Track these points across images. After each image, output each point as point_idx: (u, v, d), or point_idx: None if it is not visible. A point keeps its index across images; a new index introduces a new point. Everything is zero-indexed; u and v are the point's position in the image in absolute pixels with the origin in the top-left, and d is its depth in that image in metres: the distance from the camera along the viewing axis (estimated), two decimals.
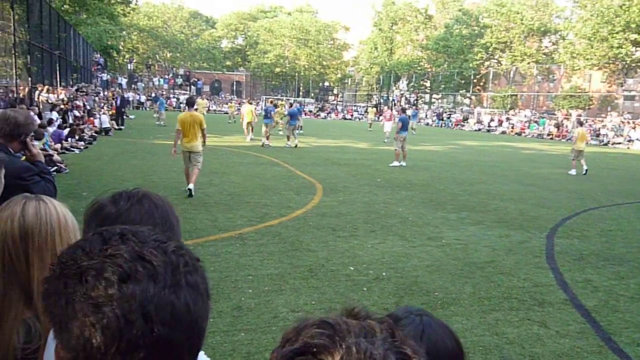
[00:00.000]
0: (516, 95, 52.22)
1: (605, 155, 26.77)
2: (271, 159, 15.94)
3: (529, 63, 51.70)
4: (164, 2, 72.51)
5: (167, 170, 12.27)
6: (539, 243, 7.49)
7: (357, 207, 9.34)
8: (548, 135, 39.96)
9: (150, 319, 0.64)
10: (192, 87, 63.45)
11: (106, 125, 21.98)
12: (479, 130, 45.72)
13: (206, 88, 66.30)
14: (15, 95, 16.88)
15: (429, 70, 63.44)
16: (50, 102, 18.24)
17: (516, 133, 42.47)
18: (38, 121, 13.15)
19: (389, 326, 0.62)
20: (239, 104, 46.16)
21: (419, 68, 63.71)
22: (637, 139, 34.39)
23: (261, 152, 17.56)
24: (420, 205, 9.84)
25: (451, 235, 7.63)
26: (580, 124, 19.16)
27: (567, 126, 39.65)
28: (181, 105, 48.98)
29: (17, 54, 16.90)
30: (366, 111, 54.78)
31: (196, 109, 11.28)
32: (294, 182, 11.74)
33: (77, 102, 22.13)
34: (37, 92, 18.43)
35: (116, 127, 24.01)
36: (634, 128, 36.06)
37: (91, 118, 22.07)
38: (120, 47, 54.70)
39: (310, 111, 57.29)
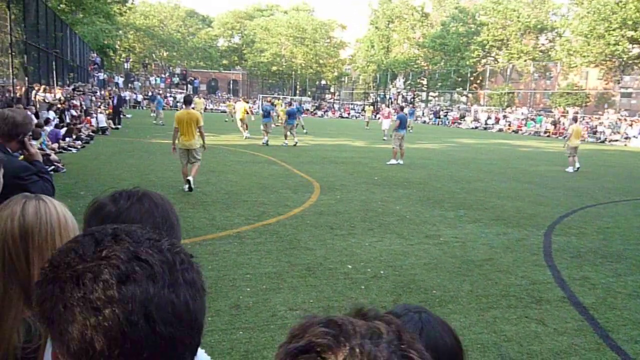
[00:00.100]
0: (513, 93, 52.31)
1: (603, 152, 26.83)
2: (268, 157, 15.94)
3: (525, 60, 51.77)
4: (160, 1, 72.42)
5: (165, 170, 12.26)
6: (537, 241, 7.51)
7: (354, 205, 9.35)
8: (545, 132, 40.04)
9: (152, 319, 0.64)
10: (189, 86, 63.35)
11: (103, 124, 21.94)
12: (476, 128, 45.77)
13: (203, 87, 66.21)
14: (12, 94, 16.84)
15: (426, 68, 63.45)
16: (47, 101, 18.21)
17: (513, 131, 42.55)
18: (35, 121, 13.12)
19: (396, 328, 0.62)
20: (236, 102, 46.15)
21: (415, 66, 63.72)
22: (634, 136, 34.48)
23: (258, 151, 17.55)
24: (417, 203, 9.85)
25: (449, 233, 7.64)
26: (575, 120, 19.18)
27: (564, 124, 39.71)
28: (178, 104, 48.92)
29: (13, 53, 16.86)
30: (363, 109, 54.81)
31: (193, 107, 11.33)
32: (291, 181, 11.74)
33: (74, 102, 22.10)
34: (33, 92, 18.38)
35: (113, 126, 23.97)
36: (630, 125, 36.15)
37: (88, 117, 22.02)
38: (117, 47, 54.59)
39: (307, 109, 57.25)
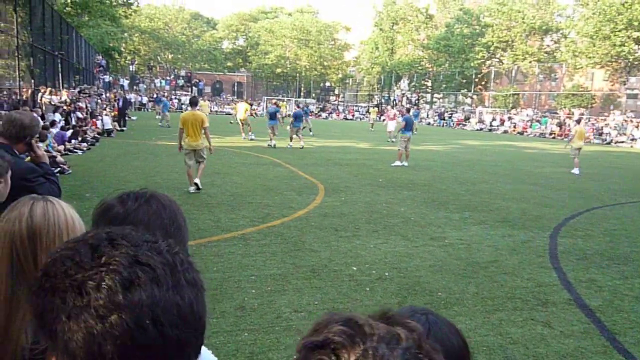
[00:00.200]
0: (518, 95, 52.16)
1: (608, 154, 26.72)
2: (273, 159, 15.95)
3: (530, 62, 51.65)
4: (165, 4, 72.88)
5: (170, 171, 12.29)
6: (542, 243, 7.48)
7: (359, 207, 9.35)
8: (550, 134, 39.92)
9: (160, 322, 0.64)
10: (194, 88, 63.49)
11: (108, 126, 22.02)
12: (481, 129, 45.69)
13: (207, 89, 66.35)
14: (18, 97, 16.93)
15: (430, 69, 63.40)
16: (53, 103, 18.28)
17: (518, 132, 42.44)
18: (42, 123, 13.18)
19: (418, 336, 0.61)
20: (237, 104, 46.25)
21: (420, 68, 63.68)
22: None
23: (263, 153, 17.57)
24: (422, 205, 9.84)
25: (454, 235, 7.62)
26: (578, 122, 19.13)
27: (569, 125, 39.59)
28: (183, 106, 49.06)
29: (20, 56, 16.95)
30: (367, 111, 54.78)
31: (199, 109, 11.40)
32: (295, 183, 11.75)
33: (80, 104, 22.18)
34: (40, 94, 18.47)
35: (118, 128, 24.06)
36: (637, 127, 35.99)
37: (94, 119, 22.11)
38: (122, 49, 54.87)
39: (312, 111, 57.28)
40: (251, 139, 22.02)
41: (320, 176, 12.78)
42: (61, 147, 14.64)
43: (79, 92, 25.54)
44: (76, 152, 15.40)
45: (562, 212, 9.83)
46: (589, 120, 40.70)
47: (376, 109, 47.27)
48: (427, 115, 55.92)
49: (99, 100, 29.01)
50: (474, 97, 58.58)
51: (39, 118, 13.45)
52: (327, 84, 76.25)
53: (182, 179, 10.72)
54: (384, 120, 34.94)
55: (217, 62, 71.56)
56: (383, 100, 66.88)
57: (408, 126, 16.33)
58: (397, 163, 15.73)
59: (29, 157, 3.39)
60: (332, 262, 6.10)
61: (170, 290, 0.66)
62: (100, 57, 42.21)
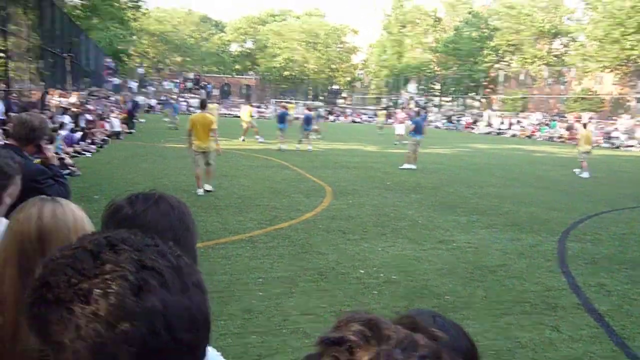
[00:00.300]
0: (526, 98, 51.92)
1: (618, 158, 26.54)
2: (280, 162, 15.96)
3: (539, 65, 51.43)
4: (174, 7, 73.25)
5: (178, 174, 12.32)
6: (551, 246, 7.44)
7: (366, 210, 9.33)
8: (559, 138, 39.66)
9: (173, 327, 0.63)
10: (202, 90, 63.69)
11: (117, 128, 22.13)
12: (489, 133, 45.49)
13: (216, 92, 66.50)
14: (28, 99, 17.06)
15: (439, 72, 63.29)
16: (62, 106, 18.40)
17: (527, 136, 42.21)
18: (51, 125, 13.27)
19: (437, 346, 0.59)
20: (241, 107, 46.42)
21: (428, 71, 63.58)
22: None
23: (270, 155, 17.59)
24: (430, 208, 9.81)
25: (462, 239, 7.59)
26: (585, 126, 19.02)
27: (578, 129, 39.34)
28: (191, 108, 49.22)
29: (30, 58, 17.10)
30: (375, 114, 54.68)
31: (208, 112, 11.45)
32: (303, 185, 11.75)
33: (89, 106, 22.31)
34: (49, 96, 18.60)
35: (127, 130, 24.17)
36: None
37: (102, 122, 22.23)
38: (131, 52, 55.12)
39: (324, 117, 57.26)
40: (260, 142, 22.04)
41: (328, 179, 12.78)
42: (70, 149, 14.73)
43: (88, 94, 25.70)
44: (85, 154, 15.49)
45: (571, 216, 9.76)
46: (598, 124, 40.44)
47: (384, 111, 47.13)
48: (436, 118, 55.78)
49: (108, 103, 29.19)
50: (483, 100, 58.38)
51: (48, 120, 13.54)
52: (335, 86, 76.27)
53: (190, 182, 10.76)
54: (392, 123, 34.92)
55: (225, 65, 71.81)
56: (391, 104, 66.82)
57: (418, 129, 16.29)
58: (406, 166, 15.70)
59: (38, 159, 3.41)
60: (340, 264, 6.09)
61: (179, 294, 0.65)
62: (109, 59, 42.46)
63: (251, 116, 23.34)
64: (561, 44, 54.23)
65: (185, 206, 1.29)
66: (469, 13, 59.82)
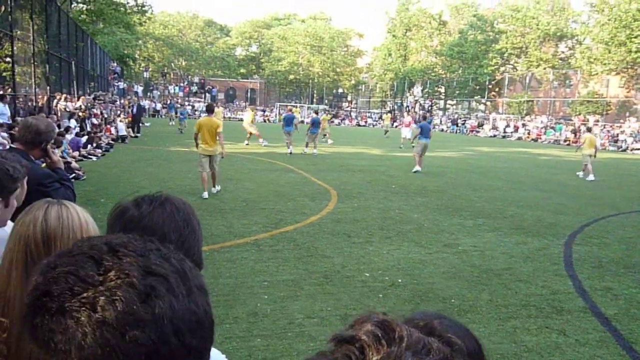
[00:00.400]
0: (532, 101, 51.79)
1: (624, 161, 26.42)
2: (285, 165, 15.97)
3: (545, 68, 51.27)
4: (179, 11, 73.43)
5: (183, 177, 12.36)
6: (557, 250, 7.41)
7: (372, 213, 9.32)
8: (565, 141, 39.54)
9: (181, 333, 0.63)
10: (207, 94, 63.90)
11: (123, 132, 22.22)
12: (495, 136, 45.41)
13: (221, 95, 66.71)
14: (34, 103, 17.15)
15: (444, 76, 63.18)
16: (68, 110, 18.49)
17: (532, 139, 42.12)
18: (57, 129, 13.33)
19: (450, 352, 0.59)
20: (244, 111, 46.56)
21: (433, 74, 63.50)
22: None
23: (275, 159, 17.60)
24: (435, 211, 9.78)
25: (467, 242, 7.57)
26: (589, 130, 18.97)
27: (583, 132, 39.18)
28: (196, 112, 49.40)
29: (36, 63, 17.19)
30: (381, 117, 54.67)
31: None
32: (308, 189, 11.75)
33: (95, 110, 22.41)
34: (55, 101, 18.70)
35: (132, 134, 24.27)
36: None
37: (108, 126, 22.33)
38: (136, 56, 55.48)
39: (332, 121, 57.33)
40: (265, 145, 22.06)
41: (333, 182, 12.78)
42: (76, 153, 14.80)
43: (94, 98, 25.80)
44: (91, 158, 15.55)
45: (577, 219, 9.72)
46: (604, 127, 40.29)
47: (389, 115, 47.12)
48: (441, 121, 55.71)
49: (114, 107, 29.32)
50: (488, 103, 58.26)
51: (54, 124, 13.60)
52: (340, 90, 76.32)
53: (195, 185, 10.79)
54: (397, 127, 34.87)
55: (230, 69, 72.00)
56: (396, 107, 66.78)
57: (423, 132, 16.26)
58: (416, 168, 15.67)
59: (44, 163, 3.43)
60: (345, 268, 6.08)
61: (185, 299, 0.65)
62: (115, 64, 42.67)
63: (252, 121, 23.32)
64: (567, 47, 54.05)
65: (191, 208, 1.29)
66: (474, 16, 59.70)
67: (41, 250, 1.31)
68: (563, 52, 53.90)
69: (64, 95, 19.58)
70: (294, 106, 38.82)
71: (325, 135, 26.12)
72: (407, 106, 65.26)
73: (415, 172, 15.41)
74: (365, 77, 76.51)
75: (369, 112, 67.15)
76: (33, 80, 17.07)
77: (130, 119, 26.14)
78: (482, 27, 57.66)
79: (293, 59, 69.14)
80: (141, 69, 63.97)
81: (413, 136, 17.68)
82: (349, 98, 78.40)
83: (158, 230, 1.17)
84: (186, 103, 54.12)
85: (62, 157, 11.69)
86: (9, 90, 15.41)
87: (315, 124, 20.41)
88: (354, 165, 16.80)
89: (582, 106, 45.29)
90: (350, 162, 17.97)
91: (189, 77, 69.58)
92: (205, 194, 9.96)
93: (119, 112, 28.47)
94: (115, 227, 1.19)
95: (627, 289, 5.83)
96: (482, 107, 60.10)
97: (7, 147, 9.27)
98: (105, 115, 24.07)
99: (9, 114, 13.76)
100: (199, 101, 58.07)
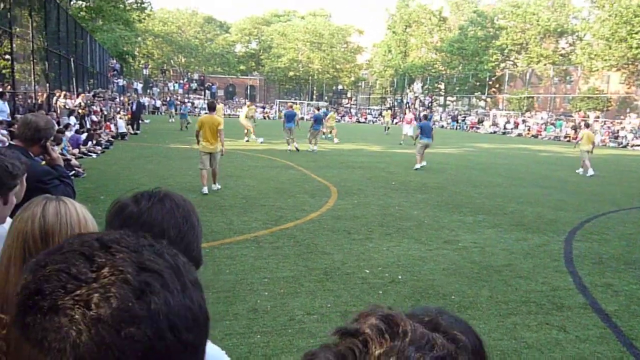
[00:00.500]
0: (532, 97, 51.71)
1: (624, 157, 26.41)
2: (285, 162, 15.97)
3: (545, 64, 51.20)
4: (178, 8, 73.37)
5: (183, 174, 12.35)
6: (557, 246, 7.40)
7: (372, 210, 9.32)
8: (565, 137, 39.51)
9: (177, 329, 0.62)
10: (207, 91, 63.86)
11: (122, 130, 22.21)
12: (495, 132, 45.38)
13: (220, 92, 66.68)
14: (34, 101, 17.13)
15: (444, 72, 63.15)
16: (67, 107, 18.48)
17: (532, 135, 42.09)
18: (57, 126, 13.32)
19: (456, 349, 0.58)
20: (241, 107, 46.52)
21: (433, 70, 63.46)
22: None
23: (275, 155, 17.60)
24: (435, 208, 9.78)
25: (468, 239, 7.57)
26: (587, 126, 18.94)
27: (582, 128, 39.12)
28: (196, 109, 49.38)
29: (35, 60, 17.16)
30: (381, 114, 54.62)
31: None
32: (308, 185, 11.75)
33: (94, 107, 22.39)
34: (54, 98, 18.68)
35: (132, 131, 24.25)
36: None
37: (108, 123, 22.32)
38: (136, 53, 55.37)
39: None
40: (260, 142, 22.04)
41: (333, 179, 12.77)
42: (76, 151, 14.79)
43: (94, 95, 25.78)
44: (90, 155, 15.55)
45: (578, 215, 9.72)
46: (604, 124, 40.25)
47: (389, 111, 47.04)
48: (441, 118, 55.66)
49: (113, 104, 29.29)
50: (488, 99, 58.22)
51: (54, 121, 13.60)
52: (340, 87, 76.29)
53: (195, 182, 10.78)
54: (397, 123, 34.82)
55: (230, 66, 71.97)
56: (396, 103, 66.73)
57: (424, 132, 16.21)
58: (417, 165, 15.66)
59: (44, 160, 3.42)
60: (345, 265, 6.08)
61: (180, 295, 0.64)
62: (114, 61, 42.60)
63: (247, 117, 23.25)
64: (567, 43, 53.98)
65: (190, 204, 1.29)
66: (474, 12, 59.62)
67: (39, 247, 1.31)
68: (563, 48, 53.83)
69: (64, 93, 19.55)
70: (294, 103, 38.77)
71: (331, 132, 25.99)
72: (407, 103, 65.20)
73: (416, 169, 15.41)
74: (365, 74, 76.47)
75: (368, 108, 67.13)
76: (32, 77, 17.05)
77: (129, 116, 26.13)
78: (483, 23, 57.57)
79: (293, 56, 69.11)
80: (141, 66, 63.93)
81: (415, 135, 17.65)
82: (348, 95, 78.37)
83: (157, 227, 1.16)
84: (186, 100, 54.08)
85: (62, 154, 11.68)
86: (9, 87, 15.40)
87: (317, 120, 20.38)
88: (354, 162, 16.79)
89: (582, 102, 45.22)
90: (350, 158, 17.96)
91: (189, 74, 69.55)
92: (205, 189, 9.97)
93: (118, 109, 28.46)
94: (114, 223, 1.19)
95: (628, 285, 5.83)
96: (482, 103, 60.08)
97: (7, 144, 9.26)
98: (105, 113, 24.05)
99: (9, 111, 13.75)
100: (199, 98, 58.03)
